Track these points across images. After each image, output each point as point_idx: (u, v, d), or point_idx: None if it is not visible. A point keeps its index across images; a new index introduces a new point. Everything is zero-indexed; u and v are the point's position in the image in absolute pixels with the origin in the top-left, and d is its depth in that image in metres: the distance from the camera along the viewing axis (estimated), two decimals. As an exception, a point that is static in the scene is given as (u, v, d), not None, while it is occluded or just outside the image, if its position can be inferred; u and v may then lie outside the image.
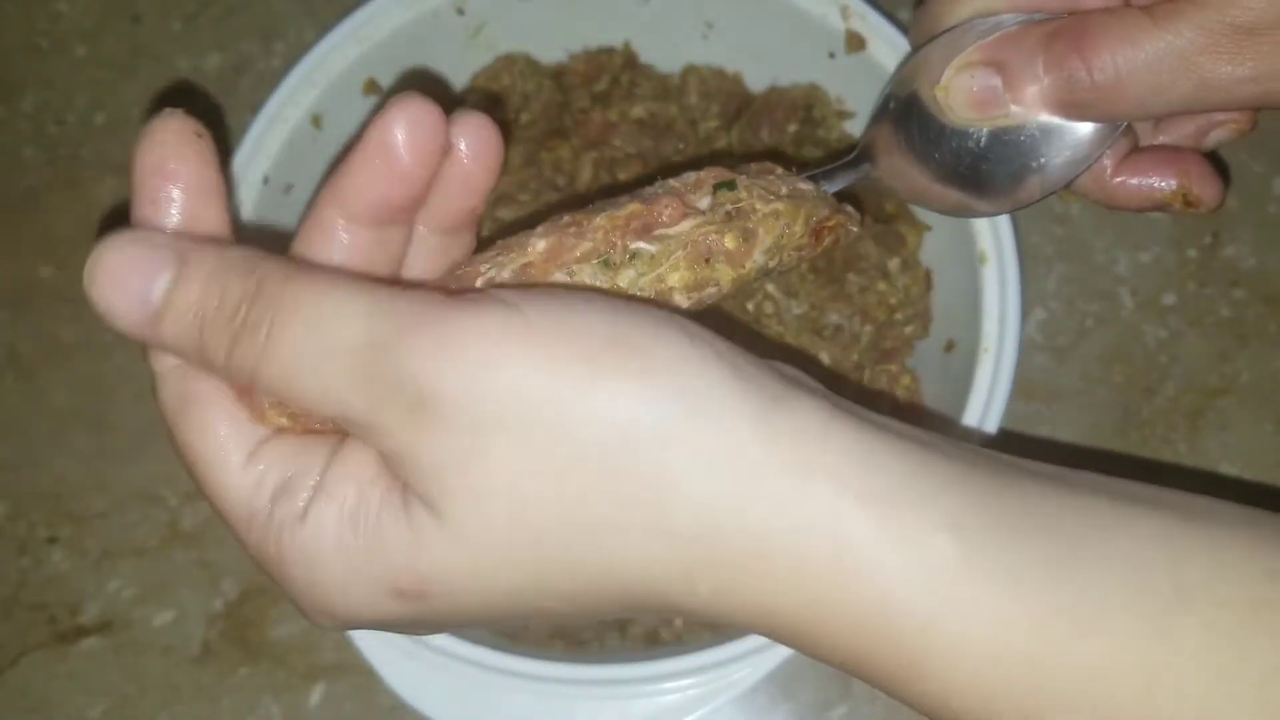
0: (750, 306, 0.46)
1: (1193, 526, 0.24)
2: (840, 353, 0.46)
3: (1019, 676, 0.23)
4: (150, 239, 0.25)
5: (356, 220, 0.27)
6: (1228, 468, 0.50)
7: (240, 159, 0.45)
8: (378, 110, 0.26)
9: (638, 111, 0.50)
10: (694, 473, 0.23)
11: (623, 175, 0.49)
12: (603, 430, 0.23)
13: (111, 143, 0.58)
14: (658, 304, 0.27)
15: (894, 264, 0.47)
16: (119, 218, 0.27)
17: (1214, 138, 0.35)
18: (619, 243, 0.27)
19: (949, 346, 0.45)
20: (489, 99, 0.51)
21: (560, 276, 0.27)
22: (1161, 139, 0.36)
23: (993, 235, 0.42)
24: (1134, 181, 0.34)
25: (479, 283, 0.27)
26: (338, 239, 0.27)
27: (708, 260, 0.28)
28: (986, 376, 0.41)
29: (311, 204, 0.28)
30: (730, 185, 0.29)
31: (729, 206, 0.29)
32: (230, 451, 0.26)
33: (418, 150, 0.26)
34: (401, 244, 0.29)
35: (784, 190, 0.30)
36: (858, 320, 0.46)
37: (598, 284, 0.27)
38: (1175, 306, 0.53)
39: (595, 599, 0.24)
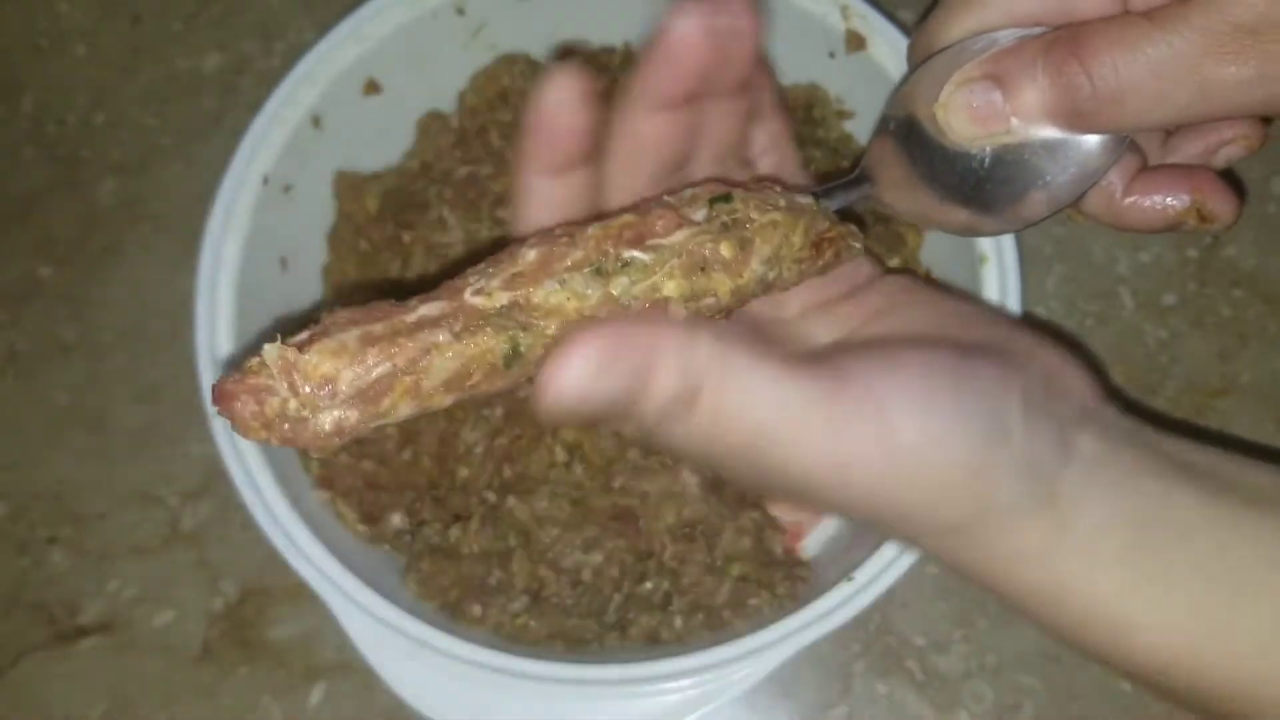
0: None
1: None
2: (840, 353, 0.46)
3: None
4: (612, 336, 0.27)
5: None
6: (1228, 468, 0.50)
7: (240, 159, 0.45)
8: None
9: (638, 111, 0.50)
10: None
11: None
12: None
13: (111, 143, 0.58)
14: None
15: (894, 264, 0.47)
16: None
17: (1224, 155, 0.34)
18: (611, 251, 0.27)
19: (949, 346, 0.45)
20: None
21: (551, 285, 0.27)
22: (1170, 160, 0.35)
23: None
24: (1146, 200, 0.33)
25: (468, 293, 0.27)
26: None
27: (704, 269, 0.28)
28: (987, 376, 0.41)
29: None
30: (726, 198, 0.29)
31: (725, 218, 0.29)
32: None
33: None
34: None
35: (781, 203, 0.30)
36: (858, 320, 0.46)
37: (589, 291, 0.27)
38: (1175, 306, 0.53)
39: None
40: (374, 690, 0.49)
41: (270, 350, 0.25)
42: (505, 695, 0.41)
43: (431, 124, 0.51)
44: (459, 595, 0.44)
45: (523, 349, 0.27)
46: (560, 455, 0.46)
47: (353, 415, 0.26)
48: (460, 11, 0.49)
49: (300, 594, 0.50)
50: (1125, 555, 0.29)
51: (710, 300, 0.28)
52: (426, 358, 0.26)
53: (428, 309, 0.26)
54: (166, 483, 0.52)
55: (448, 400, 0.27)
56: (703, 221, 0.28)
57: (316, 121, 0.47)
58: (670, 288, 0.28)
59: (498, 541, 0.45)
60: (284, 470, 0.43)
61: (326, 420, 0.26)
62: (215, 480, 0.52)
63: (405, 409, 0.26)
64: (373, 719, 0.49)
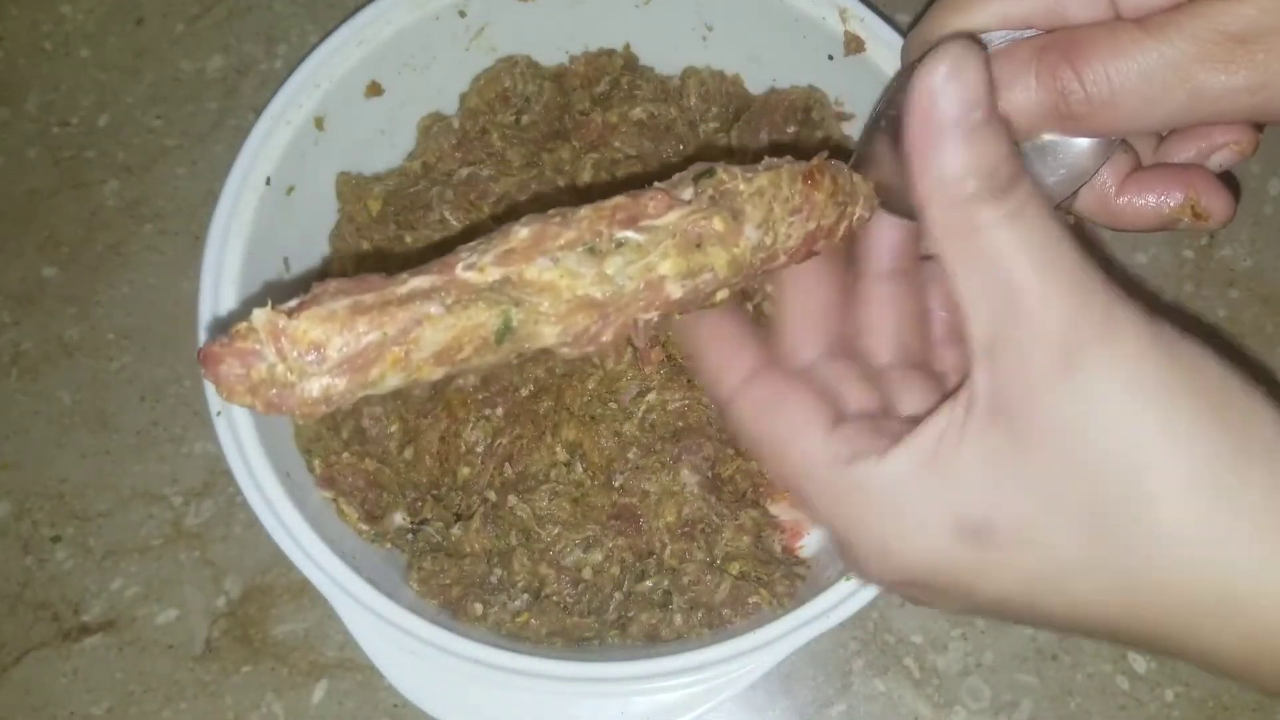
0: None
1: None
2: (839, 353, 0.46)
3: None
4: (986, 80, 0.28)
5: None
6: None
7: (243, 161, 0.46)
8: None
9: (638, 113, 0.50)
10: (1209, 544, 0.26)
11: (622, 176, 0.49)
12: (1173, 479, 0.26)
13: (115, 144, 0.58)
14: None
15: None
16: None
17: (1216, 161, 0.34)
18: (605, 231, 0.27)
19: (947, 347, 0.45)
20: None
21: (544, 262, 0.27)
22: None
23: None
24: (1140, 200, 0.33)
25: (459, 268, 0.27)
26: None
27: (699, 245, 0.28)
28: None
29: None
30: (710, 173, 0.29)
31: (712, 192, 0.29)
32: (813, 429, 0.30)
33: None
34: None
35: (762, 167, 0.30)
36: (856, 320, 0.46)
37: (583, 270, 0.27)
38: (1172, 308, 0.53)
39: (1100, 612, 0.28)
40: (376, 688, 0.49)
41: (259, 315, 0.25)
42: (506, 693, 0.41)
43: (433, 125, 0.51)
44: (460, 593, 0.44)
45: (515, 324, 0.27)
46: (561, 455, 0.46)
47: (340, 383, 0.25)
48: (462, 14, 0.49)
49: (302, 592, 0.50)
50: None
51: (708, 275, 0.28)
52: (418, 328, 0.26)
53: (419, 282, 0.26)
54: (170, 482, 0.52)
55: (437, 373, 0.26)
56: (692, 199, 0.28)
57: (319, 123, 0.47)
58: (666, 266, 0.28)
59: (499, 540, 0.45)
60: (287, 469, 0.43)
61: (314, 386, 0.25)
62: (218, 479, 0.52)
63: (394, 379, 0.26)
64: (375, 716, 0.49)
